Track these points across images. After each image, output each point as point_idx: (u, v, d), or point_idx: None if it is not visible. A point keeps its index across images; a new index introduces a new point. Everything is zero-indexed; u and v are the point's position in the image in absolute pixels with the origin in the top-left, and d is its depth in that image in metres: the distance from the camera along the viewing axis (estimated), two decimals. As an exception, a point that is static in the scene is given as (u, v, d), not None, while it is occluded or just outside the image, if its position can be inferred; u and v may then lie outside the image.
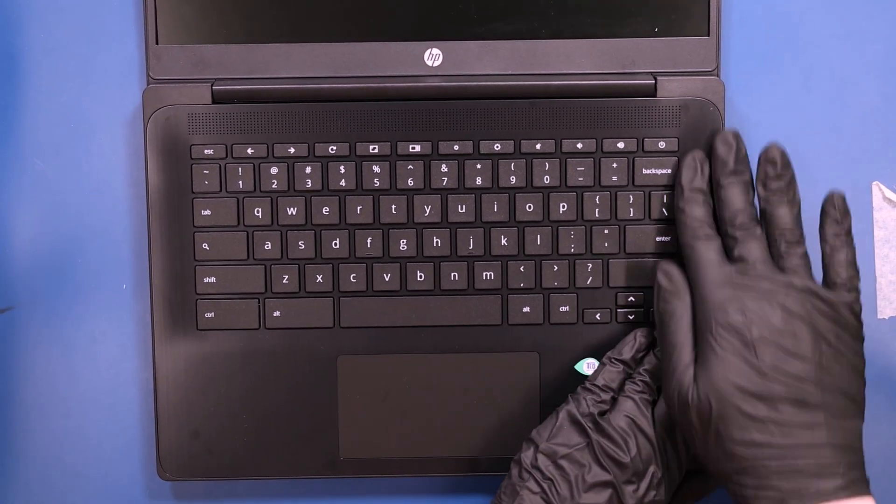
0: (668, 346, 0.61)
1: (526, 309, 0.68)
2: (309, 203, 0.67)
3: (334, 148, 0.67)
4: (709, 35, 0.68)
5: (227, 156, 0.67)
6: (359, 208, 0.67)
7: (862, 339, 0.61)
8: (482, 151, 0.67)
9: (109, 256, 0.70)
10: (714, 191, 0.64)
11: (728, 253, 0.62)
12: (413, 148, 0.67)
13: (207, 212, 0.67)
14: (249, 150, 0.67)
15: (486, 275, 0.68)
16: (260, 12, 0.67)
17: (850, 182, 0.70)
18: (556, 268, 0.68)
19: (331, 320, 0.68)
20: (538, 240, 0.68)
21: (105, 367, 0.70)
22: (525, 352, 0.68)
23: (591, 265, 0.68)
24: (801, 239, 0.62)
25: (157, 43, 0.67)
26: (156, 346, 0.68)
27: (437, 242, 0.67)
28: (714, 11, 0.67)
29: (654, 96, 0.67)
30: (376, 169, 0.67)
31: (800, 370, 0.58)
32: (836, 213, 0.62)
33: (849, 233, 0.62)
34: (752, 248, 0.61)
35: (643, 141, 0.67)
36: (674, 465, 0.62)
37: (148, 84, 0.67)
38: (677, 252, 0.67)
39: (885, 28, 0.70)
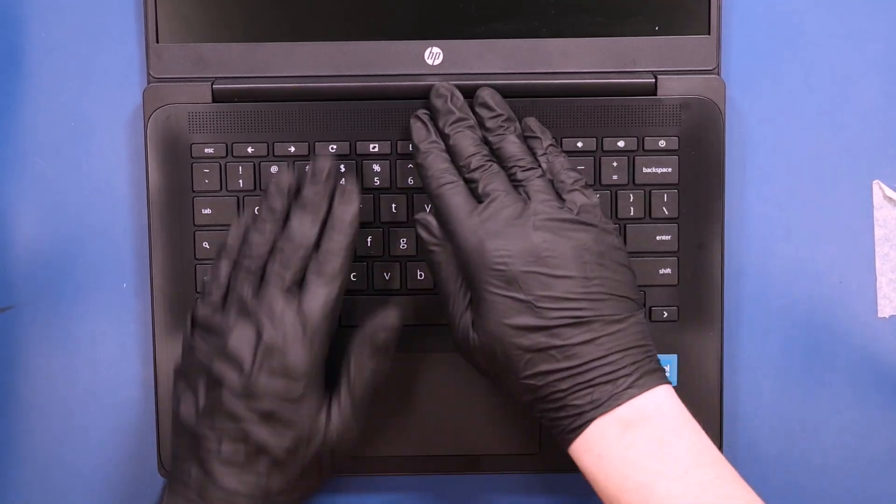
0: (443, 297, 0.62)
1: (526, 308, 0.68)
2: (309, 202, 0.67)
3: (335, 147, 0.67)
4: (709, 34, 0.68)
5: (227, 155, 0.67)
6: (359, 207, 0.67)
7: (615, 231, 0.61)
8: (482, 150, 0.67)
9: (110, 255, 0.70)
10: (446, 144, 0.63)
11: (476, 198, 0.61)
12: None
13: (208, 210, 0.67)
14: (250, 149, 0.67)
15: (487, 273, 0.68)
16: (260, 11, 0.67)
17: (850, 180, 0.70)
18: (556, 266, 0.68)
19: (331, 319, 0.68)
20: (538, 238, 0.67)
21: (105, 366, 0.70)
22: (525, 350, 0.68)
23: (591, 264, 0.68)
24: (534, 164, 0.62)
25: (157, 42, 0.67)
26: (156, 345, 0.68)
27: (437, 241, 0.67)
28: (715, 10, 0.67)
29: (655, 95, 0.67)
30: (377, 168, 0.67)
31: (567, 290, 0.58)
32: (538, 132, 0.64)
33: (553, 146, 0.64)
34: (492, 183, 0.61)
35: (643, 140, 0.67)
36: None
37: (148, 83, 0.68)
38: (676, 251, 0.68)
39: (885, 27, 0.70)
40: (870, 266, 0.71)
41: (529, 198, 0.60)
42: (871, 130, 0.70)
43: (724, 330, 0.68)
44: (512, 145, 0.63)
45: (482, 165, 0.61)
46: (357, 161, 0.67)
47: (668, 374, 0.64)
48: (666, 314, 0.68)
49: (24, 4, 0.69)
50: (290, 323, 0.59)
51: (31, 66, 0.70)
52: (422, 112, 0.64)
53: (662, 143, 0.67)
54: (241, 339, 0.58)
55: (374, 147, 0.67)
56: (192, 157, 0.67)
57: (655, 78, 0.67)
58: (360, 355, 0.61)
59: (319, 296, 0.59)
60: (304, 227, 0.60)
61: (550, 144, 0.64)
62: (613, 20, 0.67)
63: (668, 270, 0.68)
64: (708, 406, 0.68)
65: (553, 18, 0.67)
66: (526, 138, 0.64)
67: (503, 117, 0.63)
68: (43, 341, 0.70)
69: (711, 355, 0.68)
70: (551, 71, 0.68)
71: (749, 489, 0.57)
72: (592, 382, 0.57)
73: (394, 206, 0.67)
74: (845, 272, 0.71)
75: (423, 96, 0.67)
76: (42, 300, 0.70)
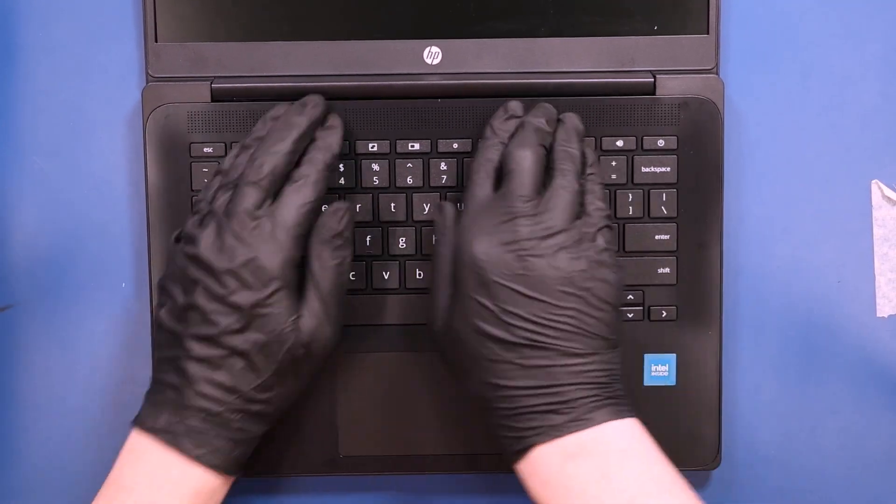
0: (433, 285, 0.62)
1: (525, 307, 0.68)
2: (308, 201, 0.67)
3: (333, 146, 0.67)
4: (708, 33, 0.68)
5: (226, 154, 0.67)
6: (358, 206, 0.67)
7: (618, 269, 0.60)
8: (481, 149, 0.67)
9: (109, 254, 0.70)
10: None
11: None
12: (412, 146, 0.67)
13: (206, 210, 0.67)
14: (249, 149, 0.67)
15: (486, 273, 0.68)
16: (259, 10, 0.67)
17: (849, 180, 0.70)
18: (555, 266, 0.68)
19: (330, 318, 0.68)
20: (537, 238, 0.67)
21: (104, 366, 0.70)
22: (524, 350, 0.68)
23: (590, 263, 0.68)
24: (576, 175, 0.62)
25: (156, 41, 0.67)
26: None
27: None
28: (713, 10, 0.67)
29: (654, 94, 0.67)
30: (375, 167, 0.67)
31: (534, 312, 0.58)
32: (589, 152, 0.63)
33: (594, 166, 0.63)
34: (487, 185, 0.61)
35: (642, 139, 0.67)
36: None
37: (147, 82, 0.68)
38: (675, 251, 0.68)
39: (884, 27, 0.70)
40: (868, 266, 0.71)
41: (548, 206, 0.60)
42: (870, 130, 0.70)
43: (723, 329, 0.68)
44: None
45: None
46: (356, 160, 0.67)
47: (666, 374, 0.64)
48: (664, 314, 0.68)
49: (23, 4, 0.69)
50: (259, 225, 0.59)
51: (31, 65, 0.70)
52: (514, 103, 0.64)
53: (661, 143, 0.67)
54: (211, 242, 0.59)
55: (373, 146, 0.67)
56: (191, 157, 0.67)
57: (654, 77, 0.67)
58: (320, 252, 0.61)
59: (290, 201, 0.60)
60: (278, 136, 0.61)
61: (593, 164, 0.63)
62: (612, 19, 0.67)
63: (667, 270, 0.68)
64: (706, 405, 0.68)
65: (552, 18, 0.67)
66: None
67: (524, 125, 0.63)
68: (42, 340, 0.70)
69: (710, 355, 0.68)
70: (550, 70, 0.68)
71: None
72: (536, 409, 0.58)
73: (392, 205, 0.67)
74: (844, 272, 0.71)
75: (422, 95, 0.67)
76: (41, 299, 0.70)
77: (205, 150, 0.67)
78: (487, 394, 0.59)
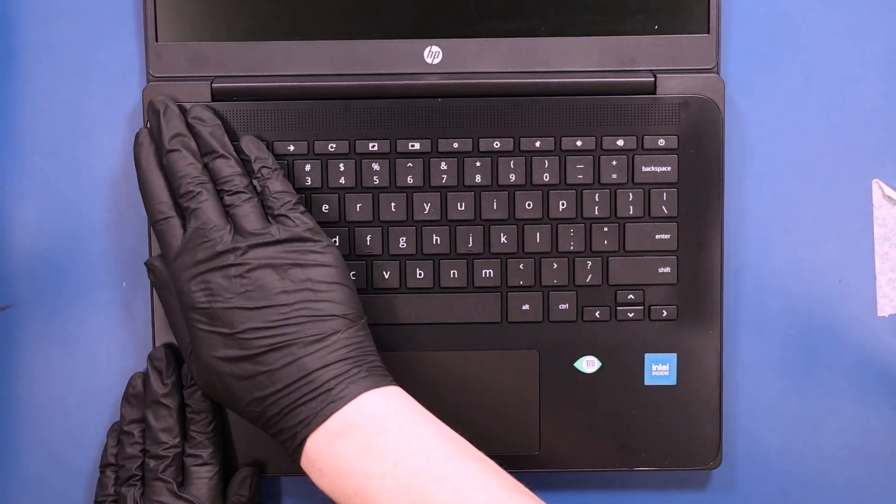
0: (175, 338, 0.64)
1: (525, 307, 0.68)
2: (308, 201, 0.67)
3: (334, 146, 0.67)
4: (709, 32, 0.68)
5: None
6: (358, 206, 0.67)
7: (331, 249, 0.61)
8: (482, 149, 0.67)
9: (109, 254, 0.70)
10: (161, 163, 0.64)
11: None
12: (412, 146, 0.67)
13: (207, 209, 0.67)
14: (249, 148, 0.67)
15: (486, 272, 0.68)
16: (260, 10, 0.67)
17: (849, 180, 0.70)
18: (555, 265, 0.68)
19: (330, 318, 0.68)
20: (537, 237, 0.67)
21: (105, 366, 0.70)
22: (524, 350, 0.68)
23: (590, 263, 0.68)
24: (242, 187, 0.62)
25: (156, 40, 0.67)
26: (155, 344, 0.67)
27: (436, 240, 0.67)
28: (714, 9, 0.67)
29: (654, 94, 0.67)
30: (376, 167, 0.67)
31: (266, 319, 0.59)
32: (250, 152, 0.64)
33: (267, 167, 0.64)
34: (195, 214, 0.61)
35: (643, 139, 0.67)
36: None
37: (148, 82, 0.67)
38: (676, 250, 0.68)
39: (885, 27, 0.70)
40: (869, 265, 0.71)
41: (235, 225, 0.61)
42: (871, 129, 0.70)
43: (724, 329, 0.68)
44: (224, 166, 0.63)
45: (189, 192, 0.62)
46: (356, 160, 0.67)
47: (666, 373, 0.64)
48: (665, 313, 0.68)
49: (23, 3, 0.69)
50: None
51: (31, 64, 0.70)
52: (143, 131, 0.65)
53: (662, 142, 0.67)
54: None
55: (373, 146, 0.67)
56: (192, 156, 0.67)
57: (655, 77, 0.67)
58: None
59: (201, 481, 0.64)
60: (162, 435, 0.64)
61: (264, 166, 0.64)
62: (613, 19, 0.67)
63: (668, 269, 0.68)
64: (707, 405, 0.68)
65: (552, 17, 0.67)
66: (242, 160, 0.64)
67: (217, 126, 0.64)
68: (42, 340, 0.70)
69: (711, 354, 0.68)
70: (551, 70, 0.68)
71: (469, 460, 0.58)
72: (298, 403, 0.58)
73: (393, 204, 0.67)
74: (845, 271, 0.71)
75: (422, 95, 0.67)
76: (41, 299, 0.70)
77: (205, 149, 0.67)
78: (255, 409, 0.59)
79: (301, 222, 0.61)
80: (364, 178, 0.67)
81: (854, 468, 0.71)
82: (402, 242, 0.67)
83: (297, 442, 0.59)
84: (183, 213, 0.62)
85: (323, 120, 0.67)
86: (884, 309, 0.71)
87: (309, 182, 0.67)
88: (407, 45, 0.67)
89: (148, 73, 0.67)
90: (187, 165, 0.62)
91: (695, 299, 0.68)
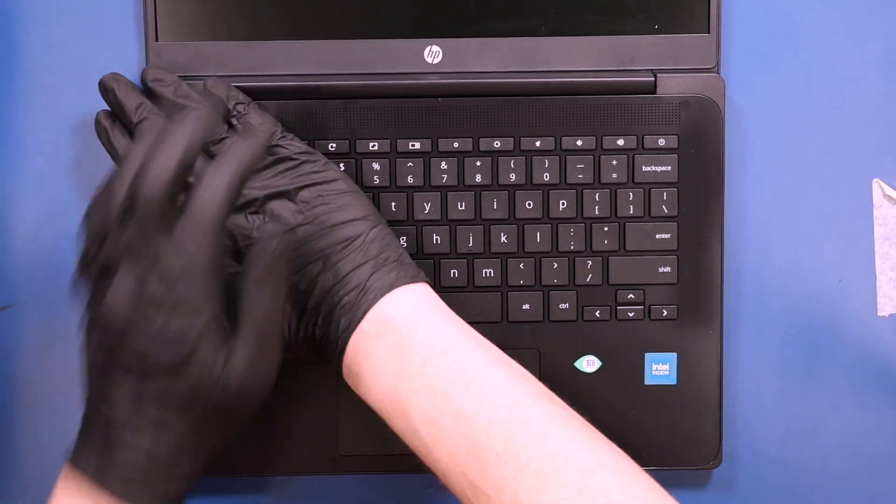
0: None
1: (525, 306, 0.68)
2: (309, 200, 0.67)
3: (334, 145, 0.67)
4: (709, 32, 0.68)
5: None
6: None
7: (313, 157, 0.61)
8: (482, 149, 0.67)
9: (109, 254, 0.70)
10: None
11: None
12: (413, 145, 0.67)
13: (207, 209, 0.67)
14: (249, 148, 0.67)
15: (486, 272, 0.68)
16: (260, 9, 0.67)
17: (850, 179, 0.70)
18: (555, 265, 0.68)
19: (330, 317, 0.68)
20: (538, 237, 0.68)
21: (105, 365, 0.70)
22: (525, 349, 0.68)
23: (590, 262, 0.68)
24: (226, 133, 0.61)
25: (156, 40, 0.67)
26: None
27: (436, 240, 0.68)
28: (714, 8, 0.67)
29: (654, 93, 0.67)
30: (376, 166, 0.67)
31: (291, 241, 0.58)
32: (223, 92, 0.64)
33: (242, 101, 0.63)
34: None
35: (643, 138, 0.67)
36: None
37: (148, 81, 0.68)
38: (676, 250, 0.68)
39: (885, 26, 0.70)
40: (869, 265, 0.71)
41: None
42: (871, 129, 0.70)
43: (724, 328, 0.68)
44: None
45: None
46: (356, 160, 0.67)
47: (667, 373, 0.64)
48: (665, 313, 0.68)
49: (23, 3, 0.69)
50: (166, 255, 0.52)
51: (31, 64, 0.70)
52: (101, 116, 0.64)
53: (662, 142, 0.67)
54: (114, 291, 0.53)
55: (373, 146, 0.67)
56: (192, 156, 0.67)
57: (655, 76, 0.67)
58: (256, 281, 0.55)
59: (209, 187, 0.52)
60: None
61: (238, 102, 0.63)
62: (613, 18, 0.67)
63: (668, 269, 0.68)
64: (707, 404, 0.68)
65: (552, 17, 0.67)
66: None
67: (177, 82, 0.64)
68: (43, 340, 0.70)
69: (711, 354, 0.68)
70: (551, 69, 0.68)
71: (495, 365, 0.56)
72: (337, 307, 0.57)
73: (393, 204, 0.67)
74: (845, 271, 0.71)
75: (422, 94, 0.67)
76: (42, 299, 0.70)
77: (205, 149, 0.67)
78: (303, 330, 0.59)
79: (294, 147, 0.61)
80: (364, 177, 0.67)
81: (854, 468, 0.71)
82: (403, 242, 0.67)
83: (339, 349, 0.58)
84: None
85: (323, 119, 0.67)
86: (884, 308, 0.71)
87: (309, 181, 0.67)
88: (407, 45, 0.68)
89: (148, 72, 0.67)
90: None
91: (695, 299, 0.68)
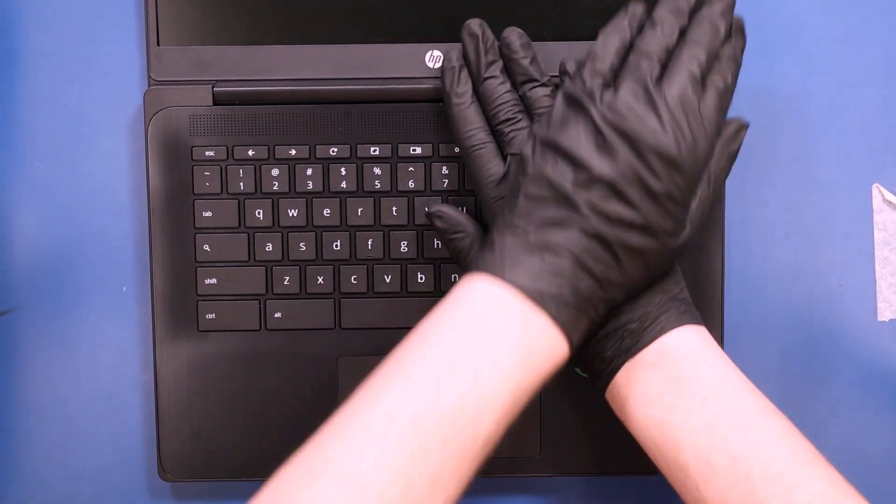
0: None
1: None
2: (310, 205, 0.67)
3: (335, 150, 0.67)
4: (709, 37, 0.68)
5: (228, 157, 0.67)
6: (360, 210, 0.67)
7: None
8: (483, 153, 0.67)
9: (110, 258, 0.70)
10: (476, 88, 0.64)
11: (502, 147, 0.62)
12: (414, 150, 0.67)
13: (208, 213, 0.67)
14: (250, 152, 0.67)
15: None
16: (261, 14, 0.67)
17: (849, 184, 0.70)
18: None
19: (332, 321, 0.68)
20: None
21: (106, 369, 0.70)
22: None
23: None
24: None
25: (158, 44, 0.67)
26: (157, 348, 0.68)
27: (437, 244, 0.68)
28: (714, 14, 0.67)
29: (655, 98, 0.67)
30: (377, 171, 0.67)
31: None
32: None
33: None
34: (514, 144, 0.61)
35: (644, 143, 0.67)
36: None
37: (149, 86, 0.68)
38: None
39: (885, 30, 0.70)
40: (869, 269, 0.71)
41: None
42: (871, 134, 0.70)
43: (725, 333, 0.68)
44: (543, 93, 0.63)
45: (510, 118, 0.62)
46: (357, 164, 0.67)
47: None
48: (666, 317, 0.68)
49: (24, 7, 0.69)
50: (700, 116, 0.56)
51: (32, 68, 0.70)
52: (455, 56, 0.64)
53: (662, 147, 0.67)
54: (656, 128, 0.54)
55: (374, 150, 0.67)
56: (193, 160, 0.67)
57: (655, 81, 0.67)
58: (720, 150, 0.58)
59: (712, 96, 0.57)
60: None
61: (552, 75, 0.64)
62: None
63: (669, 273, 0.68)
64: (708, 409, 0.68)
65: (555, 21, 0.67)
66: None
67: (528, 59, 0.63)
68: (43, 345, 0.70)
69: (711, 358, 0.68)
70: (553, 73, 0.68)
71: (773, 415, 0.57)
72: (622, 328, 0.58)
73: (394, 209, 0.67)
74: (845, 275, 0.71)
75: (423, 99, 0.67)
76: (42, 303, 0.70)
77: (206, 153, 0.67)
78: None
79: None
80: (365, 182, 0.67)
81: (854, 472, 0.71)
82: (404, 246, 0.68)
83: (611, 368, 0.58)
84: (497, 139, 0.62)
85: (324, 124, 0.67)
86: (884, 313, 0.71)
87: (310, 186, 0.67)
88: (408, 50, 0.68)
89: (149, 77, 0.67)
90: (506, 92, 0.62)
91: (696, 303, 0.68)
